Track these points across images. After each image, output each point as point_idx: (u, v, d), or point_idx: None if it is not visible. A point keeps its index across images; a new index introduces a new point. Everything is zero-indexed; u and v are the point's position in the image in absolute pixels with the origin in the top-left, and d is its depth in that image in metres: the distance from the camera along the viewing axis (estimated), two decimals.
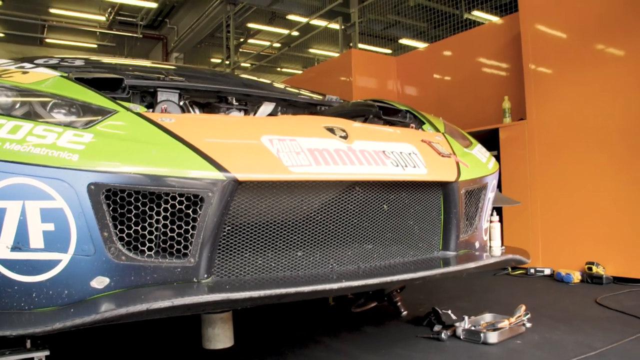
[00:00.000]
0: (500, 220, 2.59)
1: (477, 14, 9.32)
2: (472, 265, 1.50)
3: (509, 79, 4.61)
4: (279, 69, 15.08)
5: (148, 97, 2.02)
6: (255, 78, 3.31)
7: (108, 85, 1.71)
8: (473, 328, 2.09)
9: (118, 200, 1.21)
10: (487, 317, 2.31)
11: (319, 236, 1.41)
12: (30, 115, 1.37)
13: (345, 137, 1.48)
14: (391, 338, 2.17)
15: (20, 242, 1.21)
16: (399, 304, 2.40)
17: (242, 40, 13.30)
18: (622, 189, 3.36)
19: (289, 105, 2.44)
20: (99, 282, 1.21)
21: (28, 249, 1.21)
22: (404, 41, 11.49)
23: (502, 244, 2.34)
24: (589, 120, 3.59)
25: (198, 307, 1.11)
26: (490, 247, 2.18)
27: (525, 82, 4.11)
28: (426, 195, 1.61)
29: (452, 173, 1.62)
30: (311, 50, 13.78)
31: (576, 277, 3.42)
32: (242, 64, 12.74)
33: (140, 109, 1.44)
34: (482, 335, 2.02)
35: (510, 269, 3.96)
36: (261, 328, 2.46)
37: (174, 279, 1.22)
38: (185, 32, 13.08)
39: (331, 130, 1.49)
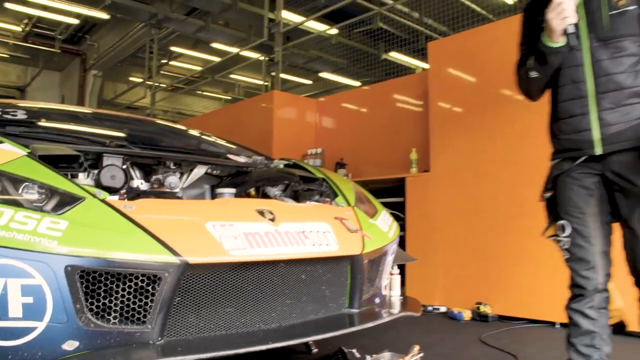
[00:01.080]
0: (403, 267, 3.03)
1: (395, 55, 9.96)
2: (370, 324, 1.90)
3: (419, 131, 5.08)
4: (199, 92, 15.20)
5: (91, 155, 2.29)
6: (181, 127, 3.60)
7: (66, 159, 1.99)
8: None
9: (90, 279, 1.50)
10: (386, 356, 2.70)
11: (248, 302, 1.75)
12: (3, 194, 1.62)
13: (272, 220, 1.84)
14: None
15: (0, 312, 1.45)
16: (310, 342, 2.76)
17: (163, 62, 13.36)
18: (510, 235, 3.92)
19: (221, 167, 2.77)
20: (70, 345, 1.47)
21: (7, 318, 1.46)
22: (324, 74, 12.02)
23: (402, 293, 2.77)
24: (481, 174, 4.16)
25: None
26: (390, 297, 2.59)
27: (430, 136, 4.64)
28: (336, 265, 1.99)
29: (358, 247, 2.02)
30: (232, 76, 14.03)
31: (467, 315, 3.92)
32: (162, 85, 12.81)
33: (104, 194, 1.72)
34: None
35: None
36: None
37: (133, 341, 1.51)
38: (106, 50, 12.96)
39: (261, 213, 1.85)
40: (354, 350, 2.68)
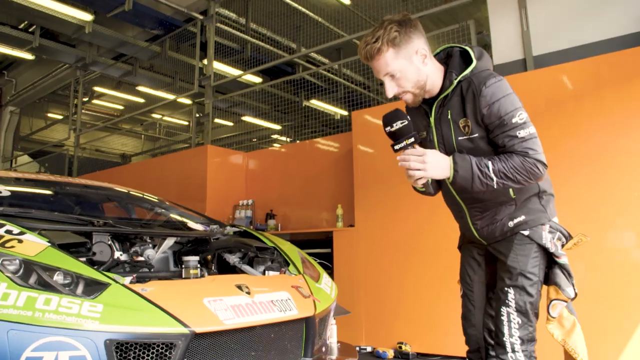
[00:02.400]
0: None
1: (315, 102, 10.69)
2: None
3: (344, 188, 5.66)
4: (119, 129, 15.24)
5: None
6: (143, 195, 4.06)
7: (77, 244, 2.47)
8: None
9: (124, 348, 1.98)
10: None
11: (234, 359, 2.29)
12: (41, 283, 2.07)
13: (249, 293, 2.40)
14: None
15: None
16: None
17: (85, 100, 13.40)
18: (427, 283, 4.59)
19: (187, 238, 3.28)
20: None
21: None
22: (246, 118, 12.54)
23: (337, 340, 3.38)
24: (400, 228, 4.85)
25: None
26: (330, 343, 3.19)
27: (354, 194, 5.27)
28: (295, 325, 2.57)
29: (311, 310, 2.61)
30: (154, 115, 14.24)
31: (390, 354, 4.52)
32: (87, 125, 12.83)
33: (121, 279, 2.22)
34: None
35: None
36: None
37: None
38: (25, 87, 12.83)
39: (239, 287, 2.42)
40: None
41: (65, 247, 2.40)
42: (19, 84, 13.29)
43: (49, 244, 2.28)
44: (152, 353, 2.04)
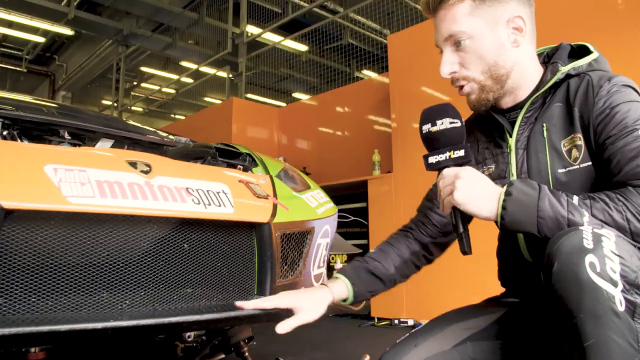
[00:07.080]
0: None
1: (367, 73, 9.67)
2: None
3: (381, 133, 4.90)
4: (172, 115, 14.81)
5: None
6: (108, 116, 3.18)
7: None
8: None
9: None
10: None
11: (105, 275, 1.31)
12: None
13: (146, 172, 1.41)
14: None
15: None
16: (246, 354, 2.30)
17: (134, 83, 13.03)
18: (479, 240, 3.50)
19: (132, 143, 2.34)
20: None
21: None
22: (296, 95, 11.72)
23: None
24: None
25: None
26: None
27: (392, 138, 4.30)
28: (235, 236, 1.56)
29: (266, 215, 1.59)
30: (206, 99, 13.68)
31: None
32: (133, 108, 12.43)
33: None
34: None
35: (375, 320, 4.00)
36: None
37: None
38: (74, 70, 12.59)
39: (133, 164, 1.42)
40: None
41: None
42: (69, 68, 13.11)
43: None
44: None
